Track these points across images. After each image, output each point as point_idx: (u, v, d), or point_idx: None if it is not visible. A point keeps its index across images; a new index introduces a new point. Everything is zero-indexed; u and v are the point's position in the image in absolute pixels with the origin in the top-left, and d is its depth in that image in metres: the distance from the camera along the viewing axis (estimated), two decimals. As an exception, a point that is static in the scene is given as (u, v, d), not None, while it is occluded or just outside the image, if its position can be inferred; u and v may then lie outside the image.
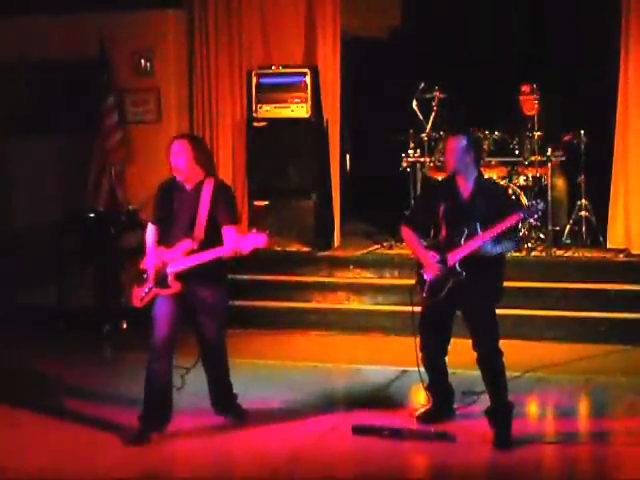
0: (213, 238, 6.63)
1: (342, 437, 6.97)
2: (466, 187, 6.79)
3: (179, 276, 6.65)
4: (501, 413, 6.74)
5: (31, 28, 10.98)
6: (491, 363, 6.75)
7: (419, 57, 11.51)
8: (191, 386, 7.95)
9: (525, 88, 10.71)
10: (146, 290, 6.78)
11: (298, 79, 10.77)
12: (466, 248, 6.66)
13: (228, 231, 6.65)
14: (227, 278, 7.04)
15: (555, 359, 8.60)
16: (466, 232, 6.65)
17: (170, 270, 6.64)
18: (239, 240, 6.51)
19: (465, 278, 6.68)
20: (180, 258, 6.62)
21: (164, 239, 6.79)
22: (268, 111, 10.86)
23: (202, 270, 6.61)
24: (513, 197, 10.28)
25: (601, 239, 10.51)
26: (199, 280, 6.69)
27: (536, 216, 7.07)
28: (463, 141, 6.74)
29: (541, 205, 6.79)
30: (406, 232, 7.01)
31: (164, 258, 6.68)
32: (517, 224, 6.84)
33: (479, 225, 6.63)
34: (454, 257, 6.69)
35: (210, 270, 6.65)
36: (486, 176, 9.90)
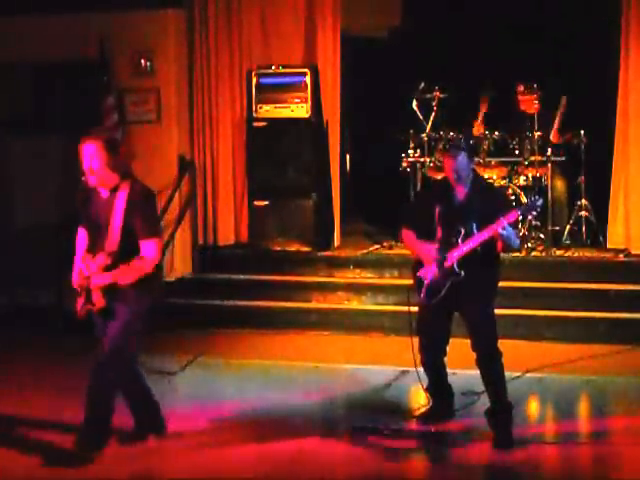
0: (130, 249, 6.21)
1: (342, 437, 6.97)
2: (462, 189, 6.78)
3: (103, 292, 6.26)
4: (501, 413, 6.74)
5: (31, 28, 10.97)
6: (490, 363, 6.74)
7: (419, 57, 11.50)
8: (189, 387, 7.97)
9: (520, 87, 10.72)
10: (81, 304, 6.39)
11: (298, 79, 10.77)
12: (463, 248, 6.66)
13: (145, 246, 6.23)
14: (154, 288, 6.46)
15: (555, 359, 8.59)
16: (463, 232, 6.66)
17: (92, 286, 6.27)
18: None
19: (463, 278, 6.68)
20: (99, 274, 6.24)
21: (90, 245, 6.42)
22: (268, 111, 10.86)
23: (115, 285, 6.24)
24: (512, 197, 10.30)
25: (601, 239, 10.51)
26: (121, 295, 6.28)
27: (534, 213, 7.05)
28: (464, 157, 6.74)
29: (539, 202, 6.79)
30: (406, 234, 7.00)
31: (89, 272, 6.29)
32: (515, 222, 6.83)
33: (476, 226, 6.63)
34: (452, 257, 6.69)
35: (121, 287, 6.25)
36: (486, 176, 9.97)
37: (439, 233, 6.82)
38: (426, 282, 6.79)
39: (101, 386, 6.38)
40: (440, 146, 10.59)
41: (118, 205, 6.22)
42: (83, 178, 6.33)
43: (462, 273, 6.67)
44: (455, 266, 6.68)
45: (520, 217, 6.64)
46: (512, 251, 6.97)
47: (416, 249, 6.95)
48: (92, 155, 6.24)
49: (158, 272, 6.45)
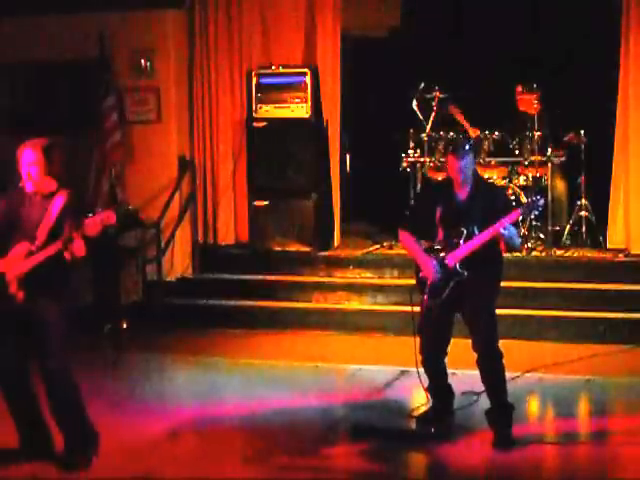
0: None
1: (342, 437, 6.97)
2: (463, 189, 6.78)
3: (21, 284, 6.08)
4: (501, 414, 6.74)
5: (31, 28, 10.97)
6: (491, 364, 6.74)
7: (419, 57, 11.50)
8: (189, 387, 7.97)
9: (519, 88, 10.73)
10: None
11: (298, 79, 10.77)
12: (465, 249, 6.66)
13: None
14: (69, 289, 6.33)
15: (555, 359, 8.60)
16: (465, 233, 6.66)
17: (9, 277, 6.08)
18: (84, 225, 5.99)
19: (466, 278, 6.68)
20: (18, 262, 6.08)
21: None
22: (268, 111, 10.85)
23: (42, 280, 6.07)
24: (512, 197, 10.30)
25: (601, 239, 10.51)
26: (39, 291, 6.10)
27: (536, 212, 7.04)
28: (470, 158, 6.76)
29: (541, 201, 6.79)
30: (404, 236, 6.99)
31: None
32: (516, 221, 6.81)
33: (477, 227, 6.63)
34: (454, 258, 6.69)
35: (49, 280, 6.10)
36: (486, 176, 9.97)
37: (440, 234, 6.83)
38: (428, 283, 6.79)
39: (65, 390, 6.23)
40: (440, 146, 10.59)
41: (54, 209, 6.15)
42: (21, 184, 6.22)
43: (465, 273, 6.67)
44: (458, 267, 6.68)
45: (521, 217, 6.63)
46: (515, 251, 6.95)
47: (414, 255, 6.95)
48: (30, 162, 6.16)
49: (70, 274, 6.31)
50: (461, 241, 6.68)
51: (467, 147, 6.85)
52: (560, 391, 7.97)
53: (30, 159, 6.17)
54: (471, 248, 6.64)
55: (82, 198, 6.36)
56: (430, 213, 6.84)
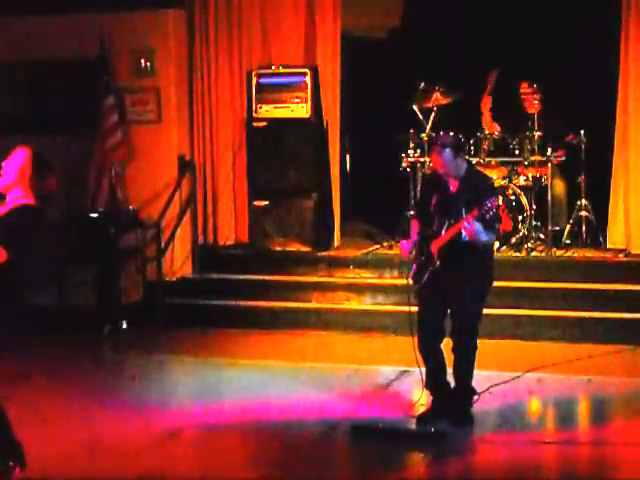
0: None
1: (342, 437, 6.97)
2: (454, 181, 6.98)
3: None
4: (463, 394, 6.96)
5: (31, 28, 10.97)
6: (468, 345, 6.88)
7: (419, 57, 11.50)
8: (189, 386, 7.96)
9: (524, 86, 10.72)
10: None
11: (298, 79, 10.77)
12: (444, 237, 6.84)
13: None
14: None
15: (555, 359, 8.59)
16: (446, 224, 6.84)
17: None
18: None
19: (444, 267, 6.85)
20: None
21: None
22: (268, 111, 10.86)
23: None
24: (512, 197, 10.34)
25: (601, 239, 10.51)
26: None
27: (491, 213, 6.89)
28: (448, 153, 6.92)
29: (489, 204, 6.74)
30: (412, 222, 7.36)
31: None
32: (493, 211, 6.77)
33: (463, 217, 6.77)
34: (435, 246, 6.91)
35: None
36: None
37: (435, 223, 7.02)
38: (414, 267, 7.09)
39: None
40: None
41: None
42: None
43: (437, 263, 6.88)
44: (434, 255, 6.90)
45: (483, 214, 6.67)
46: (485, 244, 6.95)
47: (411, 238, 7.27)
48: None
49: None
50: (443, 231, 6.87)
51: (447, 142, 6.92)
52: (560, 391, 7.97)
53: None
54: (445, 239, 6.83)
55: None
56: (429, 202, 7.07)
